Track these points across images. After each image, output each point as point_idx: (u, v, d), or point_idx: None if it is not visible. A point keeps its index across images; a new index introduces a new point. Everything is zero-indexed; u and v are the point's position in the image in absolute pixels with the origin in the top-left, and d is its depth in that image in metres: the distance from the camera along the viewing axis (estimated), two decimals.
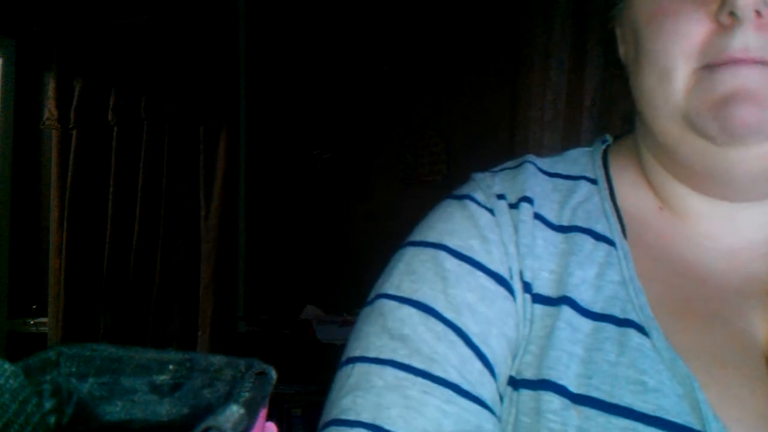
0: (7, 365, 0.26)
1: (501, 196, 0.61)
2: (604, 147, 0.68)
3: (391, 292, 0.58)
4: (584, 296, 0.56)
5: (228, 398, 0.26)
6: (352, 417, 0.52)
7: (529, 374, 0.54)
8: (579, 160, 0.67)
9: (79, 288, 3.36)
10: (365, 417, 0.52)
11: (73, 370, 0.28)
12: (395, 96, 2.97)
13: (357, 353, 0.56)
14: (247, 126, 3.24)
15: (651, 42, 0.56)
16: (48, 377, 0.27)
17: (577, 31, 2.55)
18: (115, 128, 3.35)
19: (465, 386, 0.53)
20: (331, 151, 3.08)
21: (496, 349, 0.55)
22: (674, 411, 0.50)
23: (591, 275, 0.57)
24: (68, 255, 3.36)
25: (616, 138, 0.70)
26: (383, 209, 2.92)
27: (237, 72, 3.21)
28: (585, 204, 0.62)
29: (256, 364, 0.28)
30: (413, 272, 0.58)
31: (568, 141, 2.49)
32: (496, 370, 0.55)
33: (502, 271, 0.58)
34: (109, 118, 3.35)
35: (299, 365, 2.78)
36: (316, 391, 2.71)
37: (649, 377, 0.51)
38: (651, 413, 0.50)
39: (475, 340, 0.55)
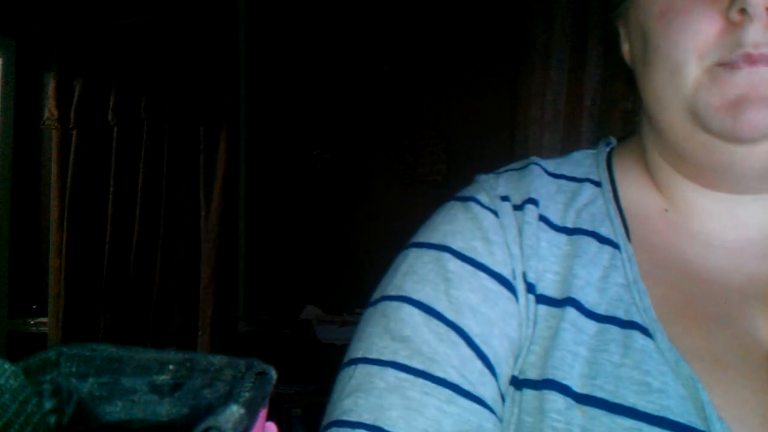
0: (7, 365, 0.26)
1: (505, 198, 0.62)
2: (608, 150, 0.69)
3: (394, 293, 0.58)
4: (589, 298, 0.56)
5: (228, 398, 0.26)
6: (353, 418, 0.53)
7: (532, 374, 0.54)
8: (583, 162, 0.67)
9: (79, 288, 3.36)
10: (366, 418, 0.52)
11: (73, 370, 0.28)
12: (395, 96, 2.97)
13: (359, 354, 0.56)
14: (247, 126, 3.24)
15: (662, 38, 0.57)
16: (48, 377, 0.27)
17: (577, 31, 2.55)
18: (115, 128, 3.35)
19: (465, 386, 0.53)
20: (331, 151, 3.08)
21: (498, 350, 0.55)
22: (678, 411, 0.50)
23: (595, 277, 0.57)
24: (68, 255, 3.36)
25: (620, 140, 0.70)
26: (383, 209, 2.92)
27: (237, 72, 3.21)
28: (589, 206, 0.62)
29: (256, 364, 0.28)
30: (416, 273, 0.59)
31: (568, 141, 2.49)
32: (498, 370, 0.55)
33: (505, 273, 0.58)
34: (109, 118, 3.35)
35: (299, 365, 2.79)
36: (316, 391, 2.72)
37: (653, 378, 0.51)
38: (655, 413, 0.50)
39: (477, 340, 0.55)
